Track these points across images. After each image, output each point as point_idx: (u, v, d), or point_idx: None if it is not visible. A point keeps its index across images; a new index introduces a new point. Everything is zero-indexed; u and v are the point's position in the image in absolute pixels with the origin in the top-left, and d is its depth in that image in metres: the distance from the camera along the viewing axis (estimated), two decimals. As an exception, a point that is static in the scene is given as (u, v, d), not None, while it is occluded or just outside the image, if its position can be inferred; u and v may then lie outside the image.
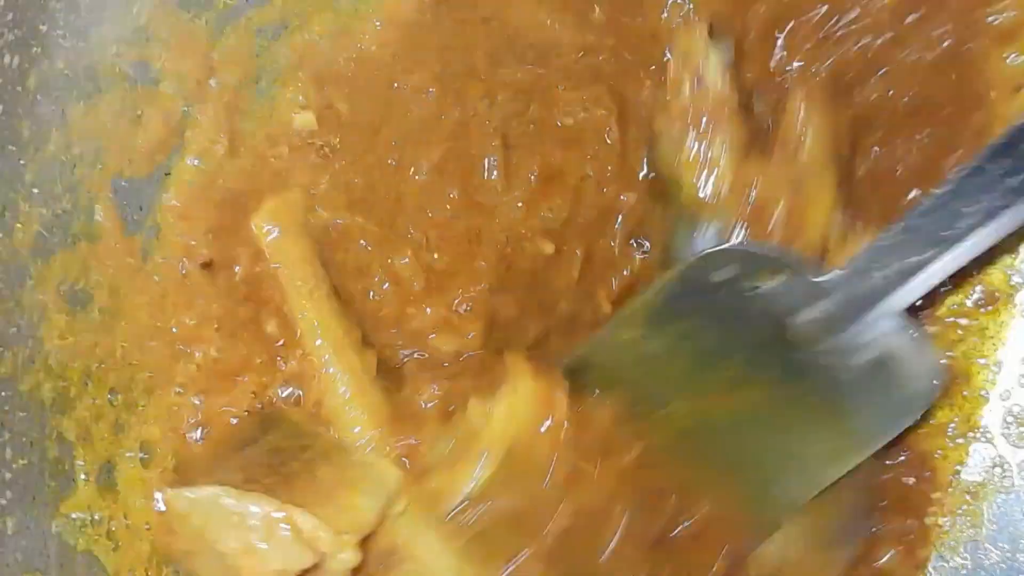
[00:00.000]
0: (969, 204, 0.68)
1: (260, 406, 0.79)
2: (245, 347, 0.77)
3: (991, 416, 0.83)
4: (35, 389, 0.73)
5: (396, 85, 0.80)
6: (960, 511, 0.83)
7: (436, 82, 0.80)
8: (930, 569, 0.84)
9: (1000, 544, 0.83)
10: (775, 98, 0.81)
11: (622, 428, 0.78)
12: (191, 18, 0.77)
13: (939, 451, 0.83)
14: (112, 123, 0.75)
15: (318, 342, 0.77)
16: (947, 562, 0.84)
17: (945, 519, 0.84)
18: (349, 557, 0.71)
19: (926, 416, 0.81)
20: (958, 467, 0.83)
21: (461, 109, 0.80)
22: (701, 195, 0.79)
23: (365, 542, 0.75)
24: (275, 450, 0.76)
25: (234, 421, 0.79)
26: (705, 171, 0.79)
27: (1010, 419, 0.83)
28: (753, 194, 0.78)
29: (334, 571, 0.72)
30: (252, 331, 0.77)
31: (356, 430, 0.77)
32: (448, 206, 0.79)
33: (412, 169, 0.79)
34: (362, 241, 0.79)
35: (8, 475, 0.71)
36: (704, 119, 0.78)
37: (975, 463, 0.83)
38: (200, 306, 0.77)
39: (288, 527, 0.70)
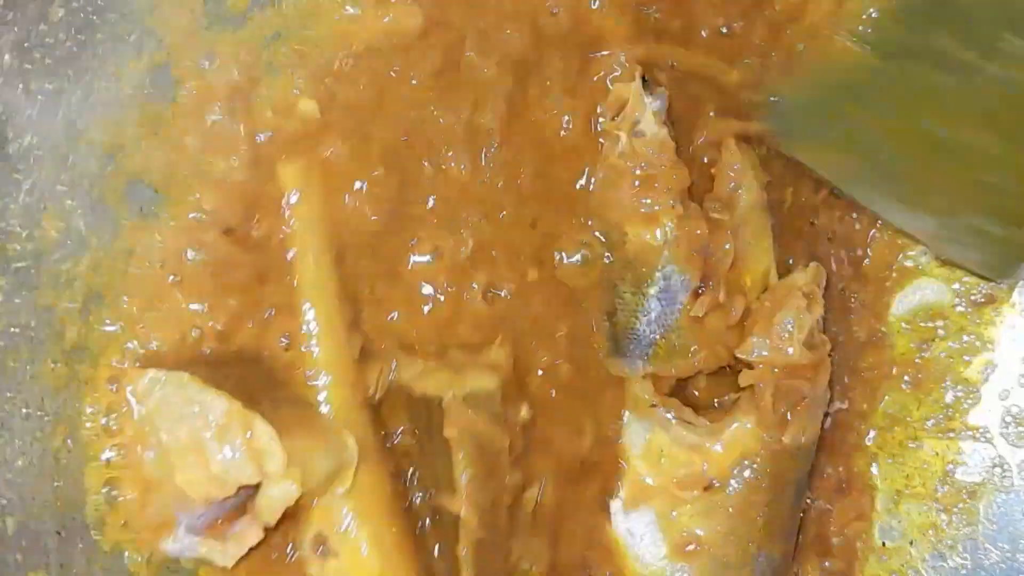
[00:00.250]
0: None
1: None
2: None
3: (990, 416, 0.84)
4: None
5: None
6: (957, 509, 0.84)
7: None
8: (930, 569, 0.84)
9: (1000, 544, 0.83)
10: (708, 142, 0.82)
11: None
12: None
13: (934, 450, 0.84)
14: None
15: (306, 305, 0.76)
16: (946, 562, 0.84)
17: (943, 517, 0.84)
18: (291, 490, 0.68)
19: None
20: (950, 466, 0.84)
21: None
22: (649, 241, 0.78)
23: (305, 517, 0.74)
24: (246, 379, 0.73)
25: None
26: (648, 220, 0.78)
27: (1008, 419, 0.83)
28: (702, 242, 0.77)
29: (272, 499, 0.68)
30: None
31: (325, 396, 0.75)
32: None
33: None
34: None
35: (8, 475, 0.71)
36: (644, 166, 0.78)
37: (974, 463, 0.83)
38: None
39: (246, 435, 0.67)
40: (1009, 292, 0.84)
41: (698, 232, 0.77)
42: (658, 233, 0.77)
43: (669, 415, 0.79)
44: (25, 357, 0.73)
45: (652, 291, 0.79)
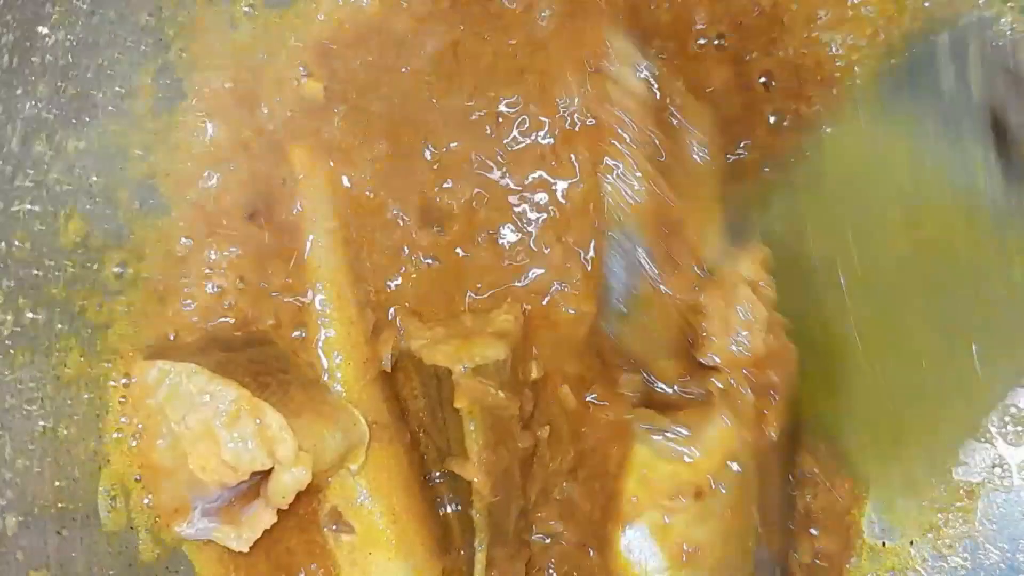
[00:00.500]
0: None
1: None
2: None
3: (989, 416, 0.83)
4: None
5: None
6: (955, 507, 0.84)
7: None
8: (929, 569, 0.84)
9: (1000, 544, 0.83)
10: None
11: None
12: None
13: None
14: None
15: (319, 285, 0.77)
16: (946, 562, 0.84)
17: (942, 517, 0.84)
18: (303, 474, 0.69)
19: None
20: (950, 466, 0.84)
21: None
22: (624, 199, 0.75)
23: (321, 497, 0.75)
24: (255, 361, 0.74)
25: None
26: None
27: (1007, 419, 0.83)
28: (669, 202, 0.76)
29: (283, 484, 0.70)
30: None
31: (337, 375, 0.76)
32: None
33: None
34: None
35: (8, 475, 0.71)
36: (620, 114, 0.75)
37: (975, 463, 0.83)
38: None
39: (256, 423, 0.68)
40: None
41: (669, 192, 0.76)
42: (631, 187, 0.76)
43: (645, 427, 0.78)
44: (27, 356, 0.73)
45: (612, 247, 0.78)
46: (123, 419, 0.75)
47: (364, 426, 0.75)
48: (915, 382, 0.77)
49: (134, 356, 0.75)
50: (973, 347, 0.75)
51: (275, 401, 0.70)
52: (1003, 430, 0.83)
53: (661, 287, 0.76)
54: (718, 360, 0.75)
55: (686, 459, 0.76)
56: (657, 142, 0.75)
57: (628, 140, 0.75)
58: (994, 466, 0.83)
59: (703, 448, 0.76)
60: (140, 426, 0.74)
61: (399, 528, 0.75)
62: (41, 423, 0.73)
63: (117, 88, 0.75)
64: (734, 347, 0.75)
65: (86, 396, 0.76)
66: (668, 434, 0.77)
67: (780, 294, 0.75)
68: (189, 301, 0.77)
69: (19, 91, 0.70)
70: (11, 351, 0.72)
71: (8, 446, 0.71)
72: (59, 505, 0.73)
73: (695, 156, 0.77)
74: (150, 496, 0.76)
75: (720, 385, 0.76)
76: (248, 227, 0.77)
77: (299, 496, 0.71)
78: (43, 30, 0.71)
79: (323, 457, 0.71)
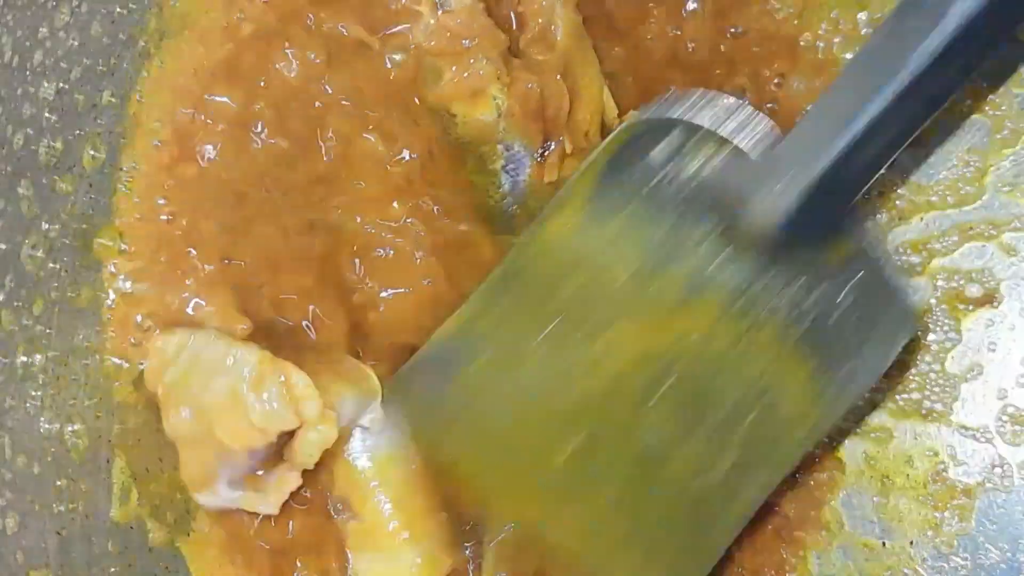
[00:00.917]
0: (917, 17, 0.57)
1: None
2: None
3: (989, 416, 0.83)
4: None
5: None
6: (954, 507, 0.84)
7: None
8: (930, 569, 0.84)
9: (1000, 544, 0.83)
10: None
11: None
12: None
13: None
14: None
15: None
16: (946, 562, 0.84)
17: (939, 514, 0.84)
18: (329, 432, 0.69)
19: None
20: (940, 465, 0.84)
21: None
22: (482, 118, 0.74)
23: (325, 478, 0.75)
24: (266, 330, 0.74)
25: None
26: (474, 93, 0.74)
27: (1005, 418, 0.83)
28: (533, 95, 0.74)
29: (310, 442, 0.70)
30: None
31: None
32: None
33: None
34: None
35: (8, 475, 0.70)
36: (463, 42, 0.73)
37: (975, 463, 0.83)
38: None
39: (280, 381, 0.68)
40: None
41: (529, 87, 0.74)
42: (489, 107, 0.74)
43: None
44: (28, 354, 0.73)
45: (498, 167, 0.77)
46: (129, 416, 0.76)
47: (375, 381, 0.75)
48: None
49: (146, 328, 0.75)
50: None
51: (293, 361, 0.70)
52: (1002, 430, 0.83)
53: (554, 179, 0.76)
54: None
55: None
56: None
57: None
58: (993, 466, 0.83)
59: None
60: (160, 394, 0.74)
61: (407, 517, 0.75)
62: (42, 422, 0.73)
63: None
64: None
65: (86, 392, 0.76)
66: None
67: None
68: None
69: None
70: (12, 350, 0.72)
71: (8, 446, 0.70)
72: (59, 505, 0.73)
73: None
74: (151, 493, 0.77)
75: None
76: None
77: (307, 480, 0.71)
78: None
79: (343, 413, 0.72)
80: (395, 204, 0.73)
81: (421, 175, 0.73)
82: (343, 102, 0.74)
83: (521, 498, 0.69)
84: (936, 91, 0.59)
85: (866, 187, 0.62)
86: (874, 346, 0.67)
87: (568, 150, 0.76)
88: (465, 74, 0.74)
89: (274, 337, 0.74)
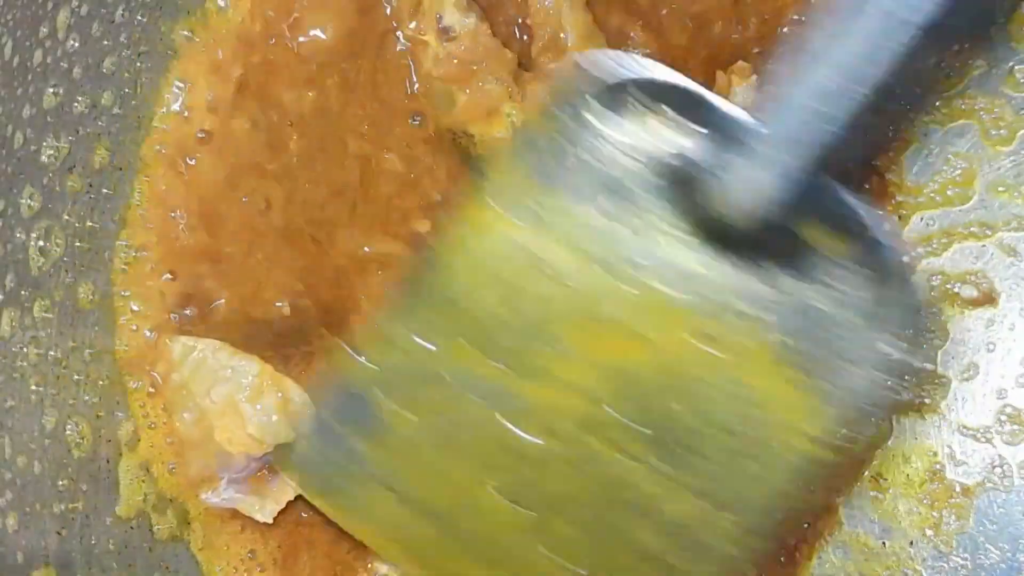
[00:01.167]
0: None
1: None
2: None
3: (988, 416, 0.83)
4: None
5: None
6: (954, 507, 0.84)
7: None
8: (930, 569, 0.84)
9: (1000, 544, 0.83)
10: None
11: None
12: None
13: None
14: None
15: None
16: (946, 562, 0.84)
17: (938, 513, 0.84)
18: None
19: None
20: (937, 465, 0.84)
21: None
22: (498, 136, 0.74)
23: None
24: (278, 335, 0.75)
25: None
26: (488, 113, 0.74)
27: (1004, 418, 0.83)
28: None
29: None
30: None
31: None
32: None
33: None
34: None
35: (8, 475, 0.70)
36: (472, 66, 0.73)
37: (974, 463, 0.83)
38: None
39: (279, 396, 0.70)
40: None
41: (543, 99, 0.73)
42: (504, 125, 0.75)
43: None
44: (30, 355, 0.73)
45: None
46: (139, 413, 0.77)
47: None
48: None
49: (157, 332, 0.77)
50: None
51: (298, 373, 0.71)
52: (1001, 430, 0.83)
53: None
54: None
55: None
56: None
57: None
58: (993, 466, 0.83)
59: None
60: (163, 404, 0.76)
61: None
62: (43, 422, 0.73)
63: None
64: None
65: (88, 393, 0.76)
66: None
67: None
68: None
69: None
70: (13, 350, 0.71)
71: (8, 446, 0.70)
72: (59, 505, 0.73)
73: None
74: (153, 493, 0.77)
75: None
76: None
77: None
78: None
79: None
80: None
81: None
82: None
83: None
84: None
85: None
86: (877, 345, 0.57)
87: None
88: (477, 96, 0.75)
89: (284, 336, 0.75)
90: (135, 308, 0.78)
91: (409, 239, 0.77)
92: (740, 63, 0.78)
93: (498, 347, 0.54)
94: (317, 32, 0.78)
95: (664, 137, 0.52)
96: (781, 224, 0.52)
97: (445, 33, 0.74)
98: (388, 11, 0.77)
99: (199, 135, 0.79)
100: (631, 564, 0.55)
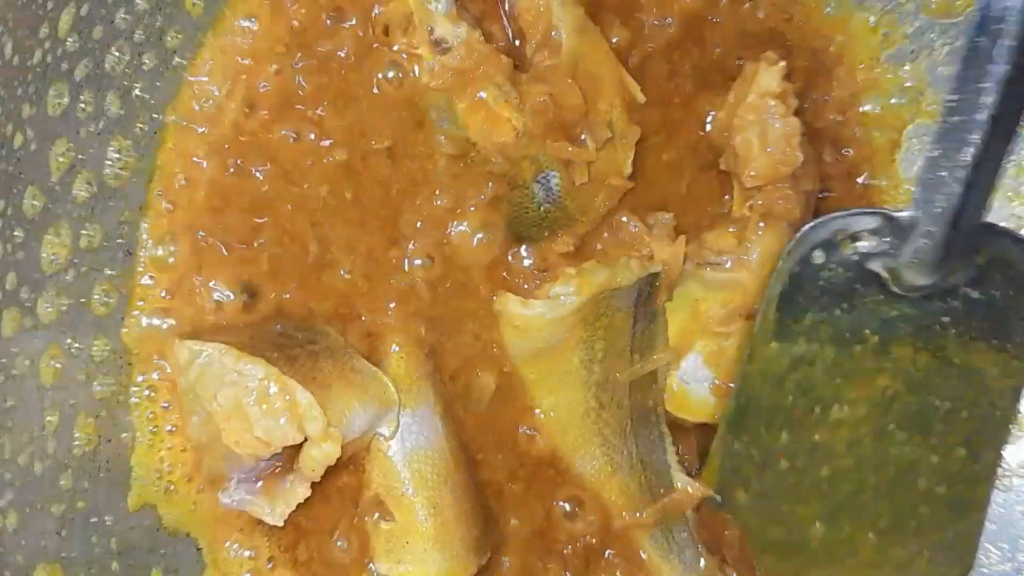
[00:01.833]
0: (980, 79, 0.69)
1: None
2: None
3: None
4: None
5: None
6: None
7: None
8: (930, 569, 0.84)
9: (1000, 544, 0.83)
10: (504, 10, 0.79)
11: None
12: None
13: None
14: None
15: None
16: (947, 562, 0.84)
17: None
18: (331, 449, 0.71)
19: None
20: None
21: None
22: (500, 140, 0.75)
23: (364, 483, 0.76)
24: (284, 335, 0.76)
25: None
26: (488, 119, 0.75)
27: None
28: (548, 107, 0.75)
29: (312, 459, 0.71)
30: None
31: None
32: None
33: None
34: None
35: (8, 475, 0.70)
36: (468, 75, 0.75)
37: (975, 463, 0.83)
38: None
39: (285, 399, 0.70)
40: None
41: (541, 100, 0.75)
42: (506, 129, 0.75)
43: (689, 266, 0.81)
44: (31, 356, 0.73)
45: (529, 179, 0.78)
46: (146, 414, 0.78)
47: (393, 392, 0.76)
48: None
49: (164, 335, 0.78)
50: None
51: (304, 373, 0.71)
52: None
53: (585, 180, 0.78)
54: (760, 181, 0.78)
55: (738, 281, 0.80)
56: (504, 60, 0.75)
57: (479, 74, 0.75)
58: (994, 466, 0.83)
59: (752, 270, 0.80)
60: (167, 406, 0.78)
61: (439, 521, 0.76)
62: (43, 422, 0.73)
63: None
64: (774, 166, 0.77)
65: (89, 393, 0.76)
66: (717, 264, 0.81)
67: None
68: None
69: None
70: (13, 350, 0.72)
71: (8, 446, 0.70)
72: (59, 505, 0.73)
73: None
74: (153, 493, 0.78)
75: (765, 207, 0.79)
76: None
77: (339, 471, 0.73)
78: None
79: (353, 427, 0.73)
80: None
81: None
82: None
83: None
84: (1008, 120, 0.70)
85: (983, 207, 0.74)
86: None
87: (592, 147, 0.77)
88: (476, 103, 0.75)
89: (289, 336, 0.76)
90: (138, 308, 0.79)
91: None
92: (768, 52, 0.79)
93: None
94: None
95: (859, 248, 0.77)
96: (948, 261, 0.75)
97: (438, 45, 0.74)
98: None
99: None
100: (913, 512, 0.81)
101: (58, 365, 0.74)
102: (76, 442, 0.75)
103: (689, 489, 0.81)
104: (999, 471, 0.82)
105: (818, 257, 0.77)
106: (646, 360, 0.81)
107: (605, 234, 0.82)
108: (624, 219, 0.81)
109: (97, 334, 0.77)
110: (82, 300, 0.76)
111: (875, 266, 0.77)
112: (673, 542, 0.82)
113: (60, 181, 0.73)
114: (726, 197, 0.84)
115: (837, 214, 0.77)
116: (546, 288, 0.78)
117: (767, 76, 0.78)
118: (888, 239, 0.76)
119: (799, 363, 0.79)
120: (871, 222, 0.76)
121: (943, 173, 0.71)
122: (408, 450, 0.76)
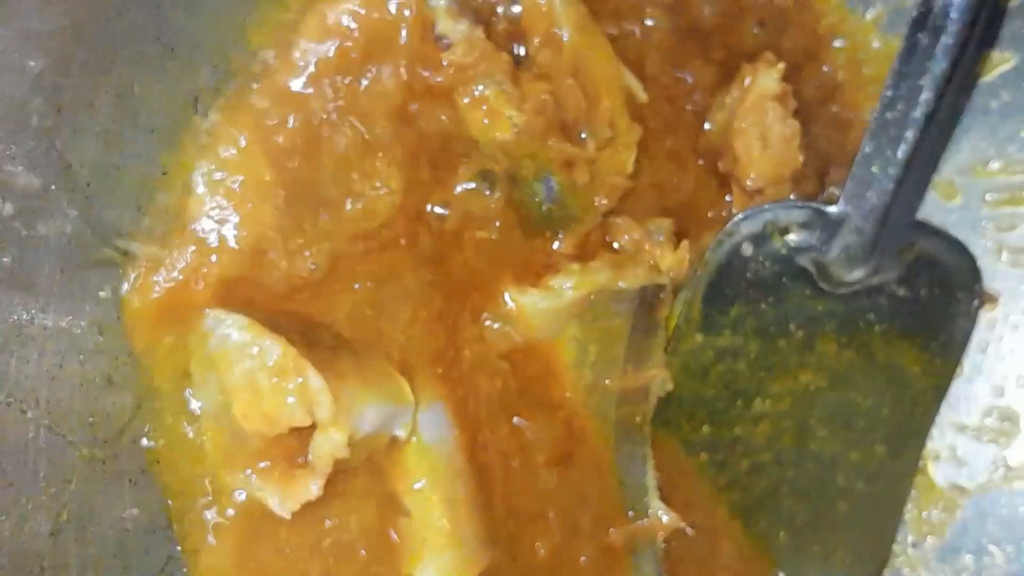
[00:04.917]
0: (918, 75, 0.69)
1: None
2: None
3: (989, 416, 0.84)
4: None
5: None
6: (957, 508, 0.84)
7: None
8: (932, 569, 0.84)
9: (1004, 545, 0.84)
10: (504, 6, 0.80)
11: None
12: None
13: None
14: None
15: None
16: (948, 562, 0.84)
17: (940, 514, 0.84)
18: (339, 439, 0.70)
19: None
20: (939, 466, 0.85)
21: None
22: (501, 138, 0.76)
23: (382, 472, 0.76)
24: (309, 323, 0.75)
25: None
26: (489, 116, 0.76)
27: (1005, 419, 0.84)
28: (549, 105, 0.76)
29: (319, 447, 0.70)
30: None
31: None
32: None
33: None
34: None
35: (4, 476, 0.69)
36: (468, 72, 0.75)
37: (976, 463, 0.84)
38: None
39: (298, 380, 0.70)
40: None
41: (542, 98, 0.76)
42: (506, 127, 0.76)
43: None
44: (30, 355, 0.72)
45: (531, 178, 0.78)
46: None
47: (409, 392, 0.75)
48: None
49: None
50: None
51: (322, 360, 0.71)
52: (1002, 430, 0.84)
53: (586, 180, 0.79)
54: (761, 184, 0.79)
55: None
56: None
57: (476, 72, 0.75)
58: (995, 467, 0.84)
59: None
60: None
61: (454, 517, 0.76)
62: (40, 423, 0.72)
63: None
64: (777, 167, 0.79)
65: (87, 393, 0.75)
66: None
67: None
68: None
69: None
70: (8, 349, 0.71)
71: (6, 446, 0.70)
72: (55, 507, 0.72)
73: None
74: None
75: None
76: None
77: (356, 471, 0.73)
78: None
79: (364, 421, 0.72)
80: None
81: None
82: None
83: None
84: (944, 118, 0.73)
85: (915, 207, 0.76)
86: (957, 305, 0.80)
87: (593, 147, 0.77)
88: (476, 100, 0.75)
89: (314, 325, 0.75)
90: (136, 308, 0.77)
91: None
92: (767, 53, 0.79)
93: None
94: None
95: (788, 243, 0.77)
96: (877, 255, 0.76)
97: (439, 41, 0.75)
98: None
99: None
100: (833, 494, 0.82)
101: (52, 366, 0.73)
102: (72, 445, 0.74)
103: (664, 518, 0.79)
104: (999, 472, 0.82)
105: (747, 249, 0.77)
106: (640, 372, 0.80)
107: (607, 238, 0.82)
108: (619, 221, 0.81)
109: (89, 336, 0.75)
110: (78, 303, 0.74)
111: (803, 261, 0.77)
112: (638, 572, 0.80)
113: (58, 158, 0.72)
114: (727, 199, 0.84)
115: (767, 206, 0.77)
116: (546, 280, 0.77)
117: (766, 77, 0.78)
118: (818, 233, 0.76)
119: (723, 356, 0.79)
120: (801, 216, 0.76)
121: (875, 169, 0.71)
122: (423, 448, 0.76)
